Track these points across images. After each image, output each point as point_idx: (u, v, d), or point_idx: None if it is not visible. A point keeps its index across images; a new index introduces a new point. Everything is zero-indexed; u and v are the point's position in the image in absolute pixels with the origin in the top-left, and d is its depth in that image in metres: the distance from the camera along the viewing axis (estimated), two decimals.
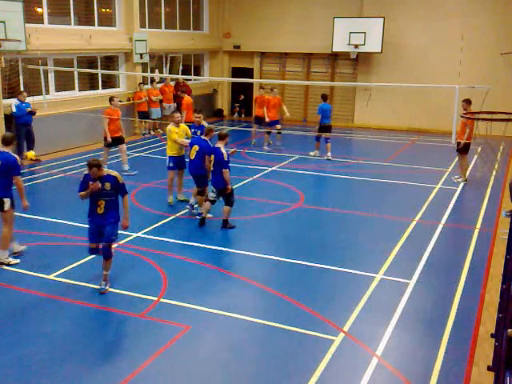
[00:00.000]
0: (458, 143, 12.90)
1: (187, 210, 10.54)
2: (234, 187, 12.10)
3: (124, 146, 13.56)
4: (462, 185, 12.95)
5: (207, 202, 9.96)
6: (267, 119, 16.47)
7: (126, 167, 13.39)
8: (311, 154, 15.81)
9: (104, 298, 7.08)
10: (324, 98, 15.50)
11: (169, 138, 10.92)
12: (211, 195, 9.91)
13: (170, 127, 10.90)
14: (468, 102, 12.78)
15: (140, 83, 18.34)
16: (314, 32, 21.60)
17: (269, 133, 16.54)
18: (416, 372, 5.71)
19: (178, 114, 11.18)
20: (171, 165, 10.97)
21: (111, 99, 13.43)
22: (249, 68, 23.37)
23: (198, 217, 10.13)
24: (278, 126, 16.71)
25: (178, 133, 10.86)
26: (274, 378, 5.58)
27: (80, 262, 8.16)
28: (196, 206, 10.54)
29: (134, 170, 13.40)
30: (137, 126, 18.76)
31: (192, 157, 10.12)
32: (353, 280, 7.84)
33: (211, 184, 9.85)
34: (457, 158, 13.56)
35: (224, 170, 9.43)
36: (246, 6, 22.82)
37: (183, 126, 11.13)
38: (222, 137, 9.68)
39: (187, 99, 16.12)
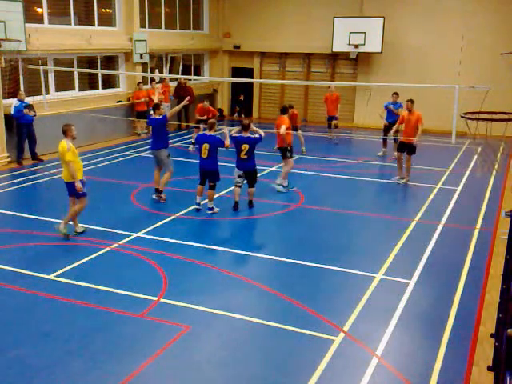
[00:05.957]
0: (410, 144, 12.48)
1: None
2: (234, 187, 12.07)
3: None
4: (462, 185, 12.95)
5: (236, 188, 10.75)
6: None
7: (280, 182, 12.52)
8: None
9: (104, 298, 7.09)
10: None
11: None
12: (238, 180, 10.69)
13: None
14: (411, 101, 12.68)
15: (139, 82, 18.32)
16: (313, 32, 21.60)
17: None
18: (416, 372, 5.70)
19: None
20: None
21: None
22: (249, 68, 23.37)
23: (208, 211, 10.46)
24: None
25: None
26: (274, 378, 5.57)
27: (80, 261, 8.17)
28: (212, 205, 10.53)
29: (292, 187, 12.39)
30: (135, 126, 18.74)
31: (205, 155, 10.27)
32: (353, 280, 7.84)
33: (239, 169, 10.63)
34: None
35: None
36: (246, 6, 22.82)
37: None
38: (246, 127, 10.61)
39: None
